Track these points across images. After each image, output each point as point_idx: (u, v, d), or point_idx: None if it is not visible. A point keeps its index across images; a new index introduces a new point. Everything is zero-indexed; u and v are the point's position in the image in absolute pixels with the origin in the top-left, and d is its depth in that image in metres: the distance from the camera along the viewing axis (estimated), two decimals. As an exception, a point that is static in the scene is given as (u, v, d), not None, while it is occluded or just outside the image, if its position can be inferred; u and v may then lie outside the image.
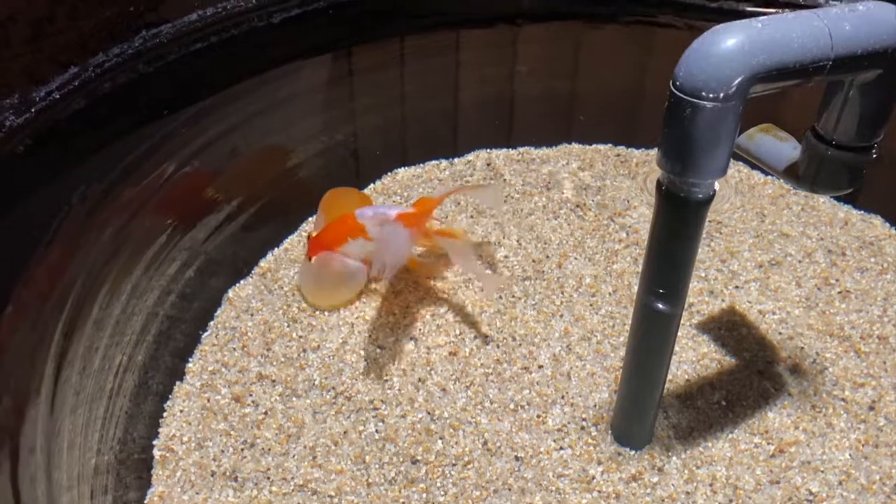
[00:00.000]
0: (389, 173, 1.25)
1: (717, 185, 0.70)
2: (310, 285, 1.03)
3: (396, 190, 1.22)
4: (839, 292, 1.05)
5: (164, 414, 0.90)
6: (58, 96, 1.08)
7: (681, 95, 0.62)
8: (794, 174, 0.79)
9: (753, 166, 1.09)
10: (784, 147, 0.81)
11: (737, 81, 0.61)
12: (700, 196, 0.68)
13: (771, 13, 0.65)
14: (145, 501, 0.82)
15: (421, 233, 0.99)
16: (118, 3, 1.18)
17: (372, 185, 1.23)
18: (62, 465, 0.79)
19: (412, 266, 1.06)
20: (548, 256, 1.10)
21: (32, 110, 1.05)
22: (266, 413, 0.90)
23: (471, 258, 1.02)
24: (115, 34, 1.17)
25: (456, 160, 1.28)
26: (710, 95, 0.61)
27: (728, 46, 0.61)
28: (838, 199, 1.20)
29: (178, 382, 0.94)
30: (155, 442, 0.88)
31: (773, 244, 1.13)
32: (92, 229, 0.98)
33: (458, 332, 1.00)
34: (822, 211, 1.19)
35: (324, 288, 1.02)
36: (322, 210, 1.07)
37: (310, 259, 1.01)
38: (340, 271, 1.01)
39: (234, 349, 0.98)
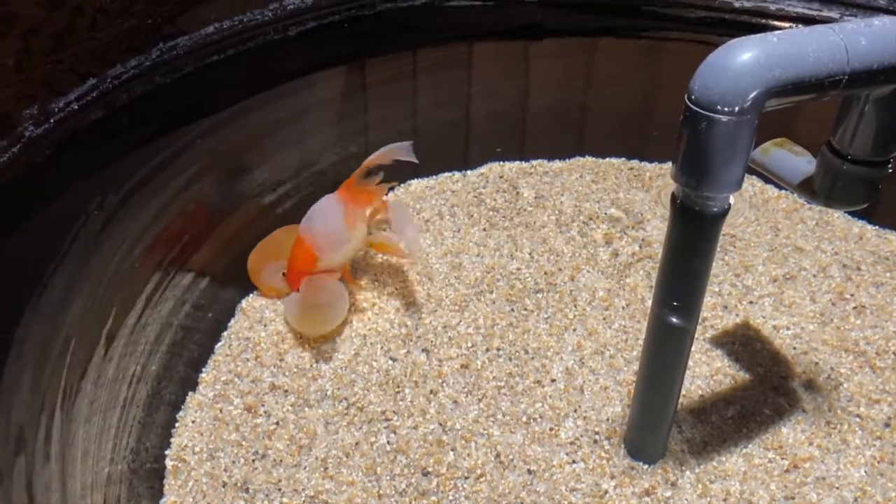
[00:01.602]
0: (402, 185, 1.26)
1: (731, 199, 0.70)
2: (298, 314, 0.99)
3: (409, 202, 1.23)
4: (854, 307, 1.04)
5: (177, 424, 0.91)
6: (76, 107, 1.09)
7: (696, 109, 0.62)
8: (809, 188, 0.79)
9: (768, 180, 1.09)
10: (799, 161, 0.81)
11: (752, 95, 0.61)
12: (715, 210, 0.68)
13: (786, 28, 0.66)
14: (157, 511, 0.82)
15: (351, 199, 1.04)
16: (137, 16, 1.19)
17: (384, 198, 1.23)
18: (76, 473, 0.79)
19: (371, 246, 1.08)
20: (560, 269, 1.10)
21: (51, 121, 1.06)
22: (278, 423, 0.90)
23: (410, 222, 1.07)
24: (134, 46, 1.18)
25: (469, 172, 1.29)
26: (726, 109, 0.61)
27: (743, 60, 0.61)
28: (853, 213, 1.19)
29: (190, 393, 0.94)
30: (167, 452, 0.88)
31: (787, 258, 1.12)
32: (108, 239, 0.99)
33: (470, 344, 0.99)
34: (837, 226, 1.18)
35: (314, 313, 0.98)
36: (270, 257, 1.07)
37: (296, 290, 0.98)
38: (329, 290, 0.98)
39: (248, 359, 0.98)
